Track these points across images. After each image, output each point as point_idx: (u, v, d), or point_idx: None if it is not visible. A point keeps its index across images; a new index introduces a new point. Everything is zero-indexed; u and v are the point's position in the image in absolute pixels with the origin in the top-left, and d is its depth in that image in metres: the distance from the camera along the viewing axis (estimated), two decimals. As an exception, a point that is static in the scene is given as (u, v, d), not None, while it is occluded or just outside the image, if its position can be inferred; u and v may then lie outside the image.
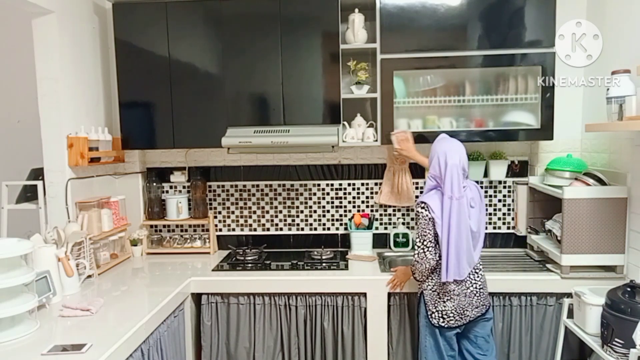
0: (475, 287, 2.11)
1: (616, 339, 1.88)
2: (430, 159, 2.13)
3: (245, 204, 3.09)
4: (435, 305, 2.10)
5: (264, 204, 3.08)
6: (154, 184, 3.02)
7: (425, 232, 2.07)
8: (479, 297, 2.11)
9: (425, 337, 2.15)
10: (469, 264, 2.06)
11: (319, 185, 3.05)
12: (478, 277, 2.13)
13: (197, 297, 2.55)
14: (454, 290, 2.07)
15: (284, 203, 3.08)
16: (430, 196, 2.09)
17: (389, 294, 2.43)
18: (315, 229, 3.08)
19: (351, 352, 2.46)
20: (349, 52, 2.72)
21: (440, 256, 2.06)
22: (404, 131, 2.51)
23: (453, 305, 2.08)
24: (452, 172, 2.02)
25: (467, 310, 2.09)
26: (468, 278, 2.09)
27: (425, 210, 2.06)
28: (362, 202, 3.04)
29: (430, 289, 2.12)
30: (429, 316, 2.12)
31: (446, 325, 2.09)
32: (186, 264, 2.78)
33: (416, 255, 2.12)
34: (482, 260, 2.20)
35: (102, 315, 1.97)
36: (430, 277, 2.12)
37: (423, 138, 2.65)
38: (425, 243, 2.08)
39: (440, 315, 2.09)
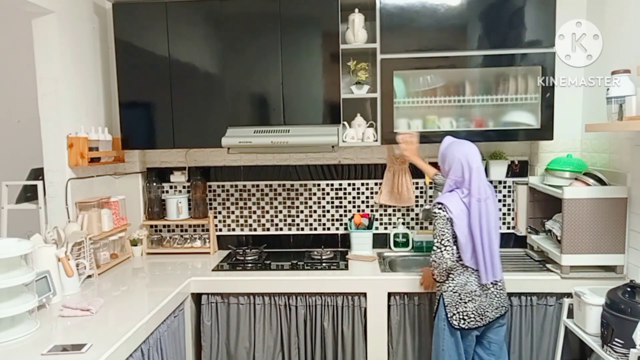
0: (496, 288, 2.10)
1: (616, 339, 1.88)
2: (449, 164, 2.11)
3: (245, 204, 3.09)
4: (456, 307, 2.08)
5: (264, 204, 3.09)
6: (154, 184, 3.02)
7: (443, 231, 2.06)
8: (500, 298, 2.11)
9: (443, 339, 2.11)
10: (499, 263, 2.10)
11: (319, 185, 3.05)
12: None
13: (197, 297, 2.55)
14: (475, 291, 2.06)
15: (284, 203, 3.08)
16: (447, 197, 2.08)
17: (389, 294, 2.43)
18: (315, 229, 3.08)
19: (351, 352, 2.46)
20: (349, 52, 2.72)
21: (459, 257, 2.07)
22: (411, 133, 2.52)
23: (474, 306, 2.06)
24: (480, 174, 2.05)
25: (487, 311, 2.07)
26: None
27: (443, 211, 2.06)
28: (362, 202, 3.04)
29: (451, 291, 2.09)
30: (450, 318, 2.08)
31: (467, 327, 2.07)
32: (186, 264, 2.78)
33: (434, 256, 2.10)
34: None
35: (102, 315, 1.97)
36: (451, 279, 2.10)
37: (423, 138, 2.65)
38: (442, 242, 2.07)
39: (461, 316, 2.07)
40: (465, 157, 2.06)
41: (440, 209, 2.07)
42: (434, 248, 2.10)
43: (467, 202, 2.04)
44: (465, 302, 2.07)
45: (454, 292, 2.09)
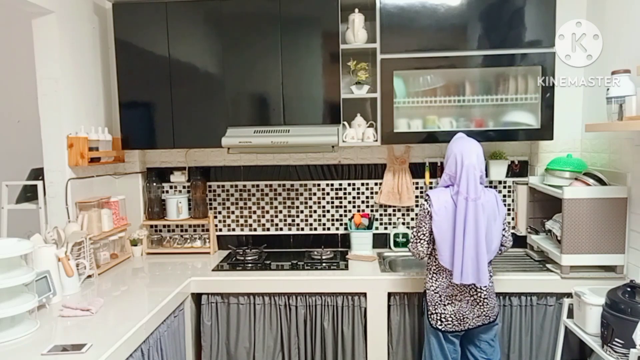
0: (479, 296, 2.05)
1: (616, 339, 1.88)
2: (447, 158, 2.10)
3: (245, 204, 3.09)
4: (435, 307, 2.08)
5: (264, 204, 3.08)
6: (154, 184, 3.02)
7: (422, 223, 2.08)
8: (482, 307, 2.06)
9: (429, 336, 2.13)
10: (487, 269, 2.00)
11: (319, 185, 3.05)
12: (483, 286, 2.07)
13: (197, 297, 2.55)
14: (456, 296, 2.05)
15: (284, 203, 3.08)
16: (437, 191, 2.07)
17: (389, 294, 2.43)
18: (315, 229, 3.08)
19: (351, 352, 2.46)
20: (349, 52, 2.72)
21: (433, 251, 2.06)
22: None
23: (453, 310, 2.05)
24: (469, 172, 1.98)
25: (467, 318, 2.05)
26: (472, 285, 2.04)
27: (426, 203, 2.06)
28: (362, 202, 3.04)
29: (433, 290, 2.09)
30: (429, 317, 2.10)
31: (443, 329, 2.06)
32: (186, 264, 2.78)
33: (410, 245, 2.15)
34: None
35: (102, 315, 1.97)
36: (435, 278, 2.09)
37: (423, 138, 2.65)
38: (419, 235, 2.08)
39: (438, 317, 2.07)
40: (461, 153, 2.02)
41: (425, 200, 2.08)
42: (411, 236, 2.14)
43: (455, 199, 2.00)
44: (445, 305, 2.06)
45: (435, 292, 2.09)
